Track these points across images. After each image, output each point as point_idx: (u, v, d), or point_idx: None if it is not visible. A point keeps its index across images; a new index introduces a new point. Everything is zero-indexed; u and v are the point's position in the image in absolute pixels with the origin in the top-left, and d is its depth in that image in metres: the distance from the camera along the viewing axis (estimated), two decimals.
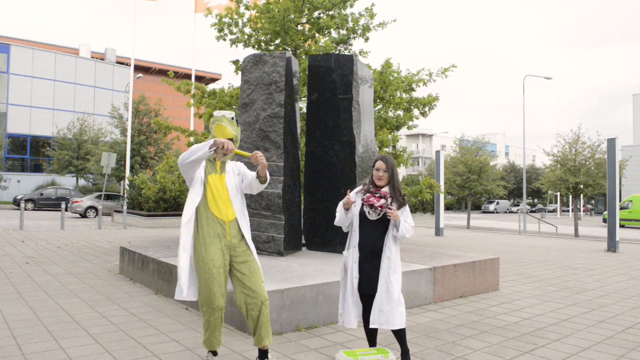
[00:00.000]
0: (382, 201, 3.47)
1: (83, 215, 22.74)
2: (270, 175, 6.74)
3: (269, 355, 3.51)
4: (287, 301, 4.46)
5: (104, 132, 34.89)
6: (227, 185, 3.47)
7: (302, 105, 10.48)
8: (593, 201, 60.27)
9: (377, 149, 11.00)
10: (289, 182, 6.99)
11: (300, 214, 7.61)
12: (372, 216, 3.50)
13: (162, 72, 45.89)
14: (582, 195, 20.89)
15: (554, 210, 60.42)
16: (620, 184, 30.85)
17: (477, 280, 6.56)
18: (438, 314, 5.37)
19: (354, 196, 3.62)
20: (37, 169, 39.89)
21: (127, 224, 17.69)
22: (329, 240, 7.26)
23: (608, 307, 5.94)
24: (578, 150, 19.08)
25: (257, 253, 6.51)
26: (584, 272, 8.77)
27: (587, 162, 18.87)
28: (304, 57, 10.60)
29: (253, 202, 6.84)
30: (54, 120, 39.92)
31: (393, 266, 3.46)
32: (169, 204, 18.65)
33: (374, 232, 3.51)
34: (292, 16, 10.03)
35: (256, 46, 10.73)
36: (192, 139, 11.55)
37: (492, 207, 52.25)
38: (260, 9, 10.33)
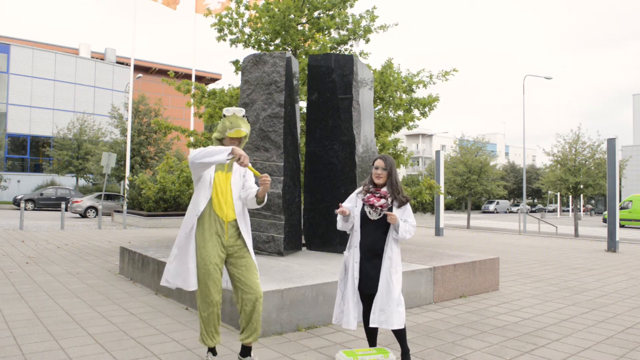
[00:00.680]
0: (383, 201, 3.47)
1: (83, 215, 22.74)
2: (270, 175, 6.74)
3: (252, 354, 3.52)
4: (287, 301, 4.46)
5: (103, 132, 34.89)
6: (232, 185, 3.48)
7: (302, 105, 10.48)
8: (593, 201, 60.28)
9: (378, 149, 11.01)
10: (289, 182, 6.99)
11: (300, 214, 7.61)
12: (373, 216, 3.51)
13: (162, 72, 45.89)
14: (582, 195, 20.89)
15: (554, 210, 60.42)
16: (620, 184, 30.87)
17: (477, 280, 6.56)
18: (438, 314, 5.37)
19: (355, 198, 3.63)
20: (37, 169, 39.89)
21: (127, 224, 17.69)
22: (329, 240, 7.26)
23: (608, 307, 5.94)
24: (578, 150, 19.08)
25: (257, 253, 6.56)
26: (584, 272, 8.77)
27: (587, 162, 18.87)
28: (304, 57, 10.60)
29: None
30: (54, 120, 39.92)
31: (394, 266, 3.46)
32: (169, 204, 18.66)
33: (375, 232, 3.52)
34: (292, 16, 10.03)
35: (256, 46, 10.73)
36: (192, 139, 11.55)
37: (492, 207, 52.26)
38: (260, 9, 10.33)
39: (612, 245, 12.77)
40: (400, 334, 3.50)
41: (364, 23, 10.85)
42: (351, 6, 10.82)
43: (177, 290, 5.62)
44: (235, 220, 3.45)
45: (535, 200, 68.32)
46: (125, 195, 20.82)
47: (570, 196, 27.10)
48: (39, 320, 4.67)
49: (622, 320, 5.26)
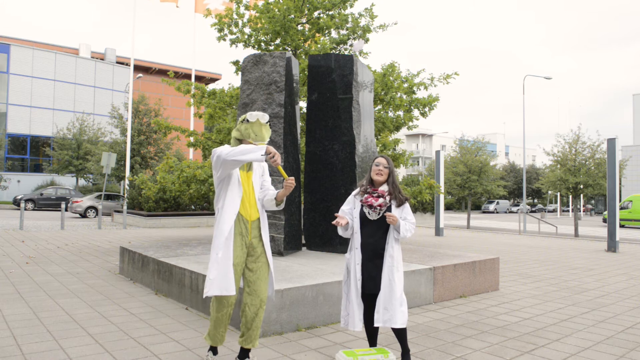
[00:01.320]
0: (381, 200, 3.48)
1: (83, 215, 22.73)
2: (270, 175, 6.73)
3: (250, 355, 3.52)
4: (287, 301, 4.46)
5: (103, 131, 34.88)
6: (254, 184, 3.48)
7: (302, 105, 10.49)
8: (593, 201, 60.25)
9: (378, 149, 11.00)
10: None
11: (300, 214, 7.61)
12: (373, 216, 3.51)
13: (162, 72, 45.87)
14: (582, 195, 20.88)
15: (554, 210, 60.42)
16: (620, 184, 30.86)
17: (477, 280, 6.56)
18: (438, 314, 5.37)
19: (353, 199, 3.63)
20: (37, 169, 39.88)
21: (127, 224, 17.69)
22: (329, 240, 7.26)
23: (608, 307, 5.94)
24: (578, 150, 19.07)
25: None
26: (584, 272, 8.77)
27: (587, 162, 18.86)
28: (304, 57, 10.60)
29: None
30: (54, 120, 39.92)
31: (396, 265, 3.47)
32: (169, 204, 18.66)
33: (376, 232, 3.52)
34: (292, 16, 10.03)
35: (256, 46, 10.73)
36: (192, 139, 11.55)
37: (492, 207, 52.25)
38: (260, 9, 10.33)
39: (612, 245, 12.76)
40: (401, 334, 3.51)
41: (363, 22, 10.85)
42: (351, 6, 10.83)
43: (177, 290, 5.62)
44: (258, 219, 3.46)
45: (535, 200, 68.31)
46: (125, 195, 20.82)
47: (570, 196, 27.10)
48: (39, 320, 4.67)
49: (622, 320, 5.26)
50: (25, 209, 26.80)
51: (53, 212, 26.33)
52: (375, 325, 3.46)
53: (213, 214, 19.28)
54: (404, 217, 3.54)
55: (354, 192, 3.68)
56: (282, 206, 3.53)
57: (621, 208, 27.47)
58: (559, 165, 19.61)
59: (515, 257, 10.91)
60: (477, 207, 53.14)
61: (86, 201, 23.16)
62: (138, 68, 42.22)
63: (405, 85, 11.04)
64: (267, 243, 3.49)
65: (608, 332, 4.76)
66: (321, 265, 5.94)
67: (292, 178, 3.34)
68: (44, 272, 7.40)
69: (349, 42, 11.07)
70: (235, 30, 10.90)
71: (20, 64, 39.43)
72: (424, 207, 37.01)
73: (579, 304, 6.07)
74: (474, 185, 23.23)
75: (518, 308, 5.75)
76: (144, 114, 28.52)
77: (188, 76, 38.27)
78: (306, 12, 10.56)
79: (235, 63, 11.35)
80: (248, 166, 3.51)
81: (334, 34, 11.00)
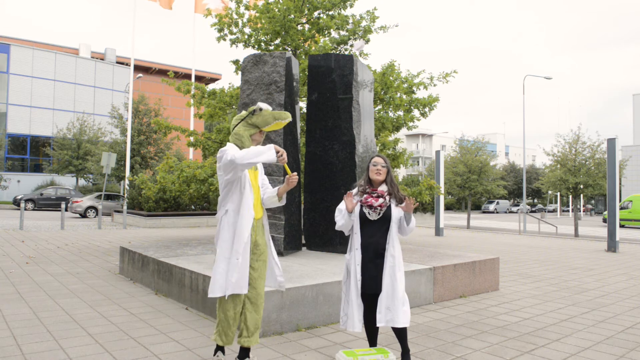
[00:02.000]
0: (381, 200, 3.49)
1: (83, 215, 22.73)
2: (270, 175, 6.74)
3: (250, 355, 3.52)
4: (287, 301, 4.46)
5: (103, 131, 34.88)
6: (259, 183, 3.56)
7: (302, 105, 10.48)
8: (593, 201, 60.25)
9: (378, 149, 11.00)
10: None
11: (300, 214, 7.61)
12: (373, 216, 3.51)
13: (162, 72, 45.87)
14: (582, 195, 20.88)
15: (554, 210, 60.40)
16: (620, 184, 30.86)
17: (477, 280, 6.56)
18: (438, 314, 5.37)
19: (354, 193, 3.64)
20: (37, 169, 39.87)
21: (127, 224, 17.69)
22: (329, 240, 7.26)
23: (608, 307, 5.94)
24: (578, 151, 19.07)
25: None
26: (584, 272, 8.77)
27: (587, 162, 18.86)
28: (304, 57, 10.60)
29: None
30: (54, 120, 39.92)
31: (397, 264, 3.48)
32: (169, 204, 18.66)
33: (376, 232, 3.52)
34: (292, 16, 10.03)
35: (256, 46, 10.73)
36: (192, 139, 11.55)
37: (492, 207, 52.25)
38: (260, 9, 10.33)
39: (612, 245, 12.76)
40: (401, 334, 3.50)
41: (364, 23, 10.85)
42: (351, 6, 10.83)
43: (177, 290, 5.62)
44: (262, 217, 3.55)
45: (535, 200, 68.31)
46: (125, 195, 20.82)
47: (570, 196, 27.09)
48: (39, 320, 4.67)
49: (622, 320, 5.26)
50: (25, 209, 26.80)
51: (53, 212, 26.33)
52: (378, 325, 3.45)
53: (213, 214, 19.26)
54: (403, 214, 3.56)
55: (352, 193, 3.68)
56: (284, 202, 3.58)
57: (621, 208, 27.46)
58: (559, 165, 19.60)
59: (515, 257, 10.90)
60: (477, 207, 53.14)
61: (86, 201, 23.16)
62: (138, 68, 42.22)
63: (405, 85, 11.05)
64: (270, 239, 3.58)
65: (608, 332, 4.76)
66: (321, 265, 5.94)
67: (295, 173, 3.39)
68: (44, 272, 7.40)
69: (349, 43, 11.07)
70: (235, 30, 10.90)
71: (20, 64, 39.43)
72: (424, 207, 37.03)
73: (579, 304, 6.07)
74: (474, 185, 23.22)
75: (518, 308, 5.75)
76: (144, 114, 28.52)
77: (188, 76, 38.25)
78: (306, 12, 10.56)
79: (235, 63, 11.35)
80: (255, 165, 3.54)
81: (334, 34, 11.00)
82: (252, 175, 3.51)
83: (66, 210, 22.67)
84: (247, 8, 10.89)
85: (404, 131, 15.42)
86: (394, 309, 3.40)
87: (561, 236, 18.58)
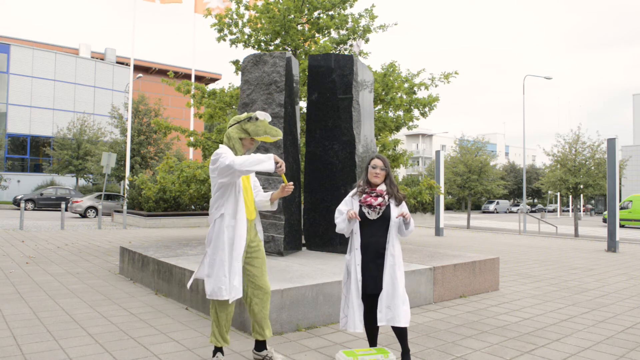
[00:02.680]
0: (380, 199, 3.50)
1: (83, 215, 22.74)
2: (270, 175, 6.74)
3: (267, 347, 3.64)
4: (287, 301, 4.46)
5: (103, 131, 34.88)
6: (252, 185, 3.64)
7: (302, 105, 10.48)
8: (593, 201, 60.25)
9: (378, 149, 11.00)
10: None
11: (300, 214, 7.61)
12: (372, 216, 3.51)
13: (162, 72, 45.86)
14: (582, 195, 20.87)
15: (554, 210, 60.41)
16: (620, 184, 30.86)
17: (477, 280, 6.56)
18: (438, 314, 5.37)
19: (350, 200, 3.64)
20: (37, 169, 39.88)
21: (127, 224, 17.69)
22: (329, 240, 7.26)
23: (608, 307, 5.94)
24: (578, 151, 19.07)
25: None
26: (584, 272, 8.77)
27: (587, 162, 18.85)
28: (304, 57, 10.60)
29: None
30: (54, 120, 39.92)
31: (397, 263, 3.48)
32: (169, 204, 18.65)
33: (376, 232, 3.52)
34: (292, 16, 10.03)
35: (256, 46, 10.74)
36: (192, 139, 11.55)
37: (492, 207, 52.25)
38: (260, 9, 10.33)
39: (612, 245, 12.76)
40: (401, 334, 3.50)
41: (363, 22, 10.84)
42: (351, 6, 10.83)
43: (177, 290, 5.62)
44: (256, 218, 3.61)
45: (535, 200, 68.31)
46: (125, 195, 20.82)
47: (570, 196, 27.09)
48: (39, 320, 4.67)
49: (622, 320, 5.26)
50: (25, 209, 26.80)
51: (53, 212, 26.33)
52: (379, 324, 3.45)
53: None
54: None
55: (351, 193, 3.68)
56: (275, 207, 3.68)
57: (621, 208, 27.46)
58: (559, 166, 19.60)
59: (515, 257, 10.91)
60: (477, 207, 53.14)
61: (86, 201, 23.16)
62: (138, 68, 42.21)
63: (406, 85, 11.04)
64: (262, 240, 3.65)
65: (608, 332, 4.76)
66: (321, 265, 5.94)
67: (292, 183, 3.49)
68: (44, 272, 7.40)
69: (349, 42, 11.07)
70: (235, 30, 10.90)
71: (20, 64, 39.43)
72: (424, 207, 37.01)
73: (579, 304, 6.07)
74: (474, 185, 23.22)
75: (518, 308, 5.75)
76: (144, 114, 28.51)
77: (188, 76, 38.24)
78: (306, 12, 10.56)
79: (235, 63, 11.35)
80: None
81: (334, 34, 11.00)
82: (245, 178, 3.58)
83: (66, 210, 22.67)
84: (247, 8, 10.89)
85: (404, 131, 15.42)
86: (395, 308, 3.40)
87: (561, 236, 18.58)
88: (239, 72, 10.35)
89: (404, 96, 11.08)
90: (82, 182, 35.78)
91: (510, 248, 12.94)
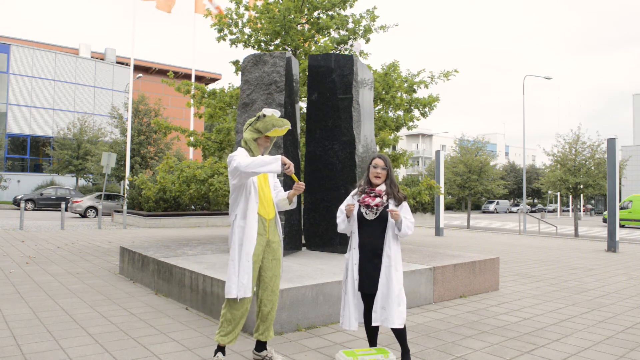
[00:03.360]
0: (378, 200, 3.49)
1: (83, 215, 22.73)
2: (279, 176, 6.73)
3: (267, 347, 3.67)
4: (287, 301, 4.46)
5: (103, 132, 34.87)
6: (270, 184, 3.67)
7: (302, 105, 10.48)
8: (593, 201, 60.24)
9: (378, 148, 11.00)
10: (289, 182, 6.99)
11: (300, 214, 7.61)
12: (370, 216, 3.51)
13: (162, 72, 45.87)
14: (582, 195, 20.87)
15: (554, 210, 60.40)
16: (620, 184, 30.86)
17: (477, 280, 6.56)
18: (438, 314, 5.37)
19: (351, 199, 3.65)
20: (37, 169, 39.87)
21: (127, 224, 17.69)
22: (329, 240, 7.26)
23: (608, 307, 5.94)
24: (578, 151, 19.06)
25: None
26: (584, 272, 8.77)
27: (587, 162, 18.85)
28: (304, 57, 10.60)
29: None
30: (54, 120, 39.91)
31: (394, 264, 3.47)
32: (169, 204, 18.65)
33: (374, 232, 3.52)
34: (292, 16, 10.03)
35: (256, 46, 10.73)
36: (192, 139, 11.55)
37: (492, 207, 52.25)
38: (260, 9, 10.33)
39: (612, 245, 12.76)
40: (400, 334, 3.50)
41: (364, 23, 10.84)
42: (351, 6, 10.82)
43: (177, 290, 5.62)
44: (275, 217, 3.64)
45: (535, 200, 68.31)
46: (125, 195, 20.82)
47: (570, 196, 27.10)
48: (39, 320, 4.67)
49: (622, 320, 5.26)
50: (25, 209, 26.79)
51: (53, 212, 26.33)
52: (373, 324, 3.46)
53: (213, 214, 19.28)
54: (403, 215, 3.54)
55: (352, 193, 3.70)
56: (294, 205, 3.72)
57: (621, 208, 27.45)
58: (559, 166, 19.59)
59: (515, 257, 10.91)
60: (477, 207, 53.14)
61: (86, 201, 23.15)
62: (138, 68, 42.22)
63: (406, 84, 11.04)
64: (282, 239, 3.68)
65: (608, 332, 4.76)
66: (321, 265, 5.94)
67: (302, 182, 3.51)
68: (44, 272, 7.40)
69: (349, 42, 11.07)
70: (235, 30, 10.90)
71: (20, 64, 39.42)
72: (424, 207, 37.01)
73: (579, 304, 6.07)
74: (474, 185, 23.21)
75: (518, 308, 5.75)
76: (144, 114, 28.51)
77: (188, 76, 38.25)
78: (306, 12, 10.56)
79: (235, 63, 11.35)
80: None
81: (333, 34, 11.00)
82: (262, 177, 3.61)
83: (66, 210, 22.66)
84: (246, 8, 10.89)
85: (404, 131, 15.42)
86: (389, 308, 3.40)
87: (561, 236, 18.58)
88: (239, 72, 10.35)
89: (404, 95, 11.08)
90: (82, 182, 35.77)
91: (510, 248, 12.94)
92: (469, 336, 4.51)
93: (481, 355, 3.99)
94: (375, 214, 3.50)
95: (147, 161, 28.12)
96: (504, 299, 6.26)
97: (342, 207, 3.64)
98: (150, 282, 6.32)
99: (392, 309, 3.39)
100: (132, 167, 26.58)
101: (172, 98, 42.24)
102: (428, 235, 16.54)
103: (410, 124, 11.39)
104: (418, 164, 72.15)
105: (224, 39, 10.97)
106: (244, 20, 10.78)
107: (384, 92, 10.53)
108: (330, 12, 10.74)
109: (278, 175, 3.92)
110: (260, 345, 3.64)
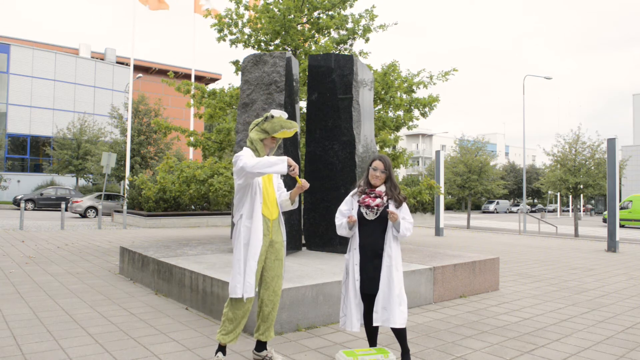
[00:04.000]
0: (378, 200, 3.49)
1: (83, 215, 22.73)
2: (284, 177, 6.73)
3: (267, 347, 3.67)
4: (287, 301, 4.46)
5: (103, 132, 34.87)
6: (274, 185, 3.67)
7: (302, 105, 10.48)
8: (593, 201, 60.24)
9: (378, 149, 11.00)
10: (290, 183, 6.98)
11: (300, 214, 7.61)
12: (370, 216, 3.51)
13: (162, 72, 45.87)
14: (582, 195, 20.87)
15: (554, 210, 60.40)
16: (620, 184, 30.86)
17: (477, 280, 6.56)
18: (438, 314, 5.37)
19: (351, 200, 3.66)
20: (37, 169, 39.87)
21: (127, 224, 17.69)
22: (329, 240, 7.26)
23: (608, 307, 5.94)
24: (578, 151, 19.07)
25: None
26: (584, 272, 8.77)
27: (587, 162, 18.85)
28: (304, 57, 10.60)
29: None
30: (54, 120, 39.91)
31: (395, 264, 3.47)
32: (169, 204, 18.65)
33: (374, 232, 3.52)
34: (292, 16, 10.03)
35: (256, 46, 10.73)
36: (192, 139, 11.55)
37: (492, 207, 52.24)
38: (260, 9, 10.33)
39: (612, 245, 12.76)
40: (400, 334, 3.50)
41: (363, 22, 10.84)
42: (350, 6, 10.82)
43: (177, 290, 5.62)
44: (279, 217, 3.65)
45: (535, 200, 68.30)
46: (125, 195, 20.82)
47: (570, 196, 27.09)
48: (39, 320, 4.67)
49: (622, 320, 5.26)
50: (25, 209, 26.79)
51: (53, 212, 26.32)
52: (374, 324, 3.46)
53: (213, 214, 19.28)
54: (402, 216, 3.54)
55: (351, 193, 3.70)
56: (296, 205, 3.73)
57: (621, 208, 27.45)
58: (559, 165, 19.60)
59: (515, 257, 10.91)
60: (477, 207, 53.14)
61: (86, 201, 23.15)
62: (138, 68, 42.22)
63: (405, 84, 11.04)
64: (285, 240, 3.68)
65: (608, 332, 4.76)
66: (321, 265, 5.94)
67: (305, 181, 3.50)
68: (44, 272, 7.40)
69: (349, 42, 11.07)
70: (235, 30, 10.89)
71: (20, 64, 39.42)
72: (424, 207, 37.00)
73: (579, 304, 6.07)
74: (474, 185, 23.21)
75: (518, 308, 5.75)
76: (144, 114, 28.51)
77: (188, 76, 38.26)
78: (306, 12, 10.55)
79: (235, 63, 11.35)
80: None
81: (334, 34, 11.00)
82: (267, 178, 3.63)
83: (66, 210, 22.66)
84: (246, 8, 10.88)
85: (404, 131, 15.41)
86: (390, 309, 3.40)
87: (561, 236, 18.58)
88: (239, 72, 10.35)
89: (404, 95, 11.07)
90: (82, 182, 35.77)
91: (510, 248, 12.94)
92: (469, 336, 4.51)
93: (481, 355, 3.99)
94: (376, 215, 3.50)
95: (147, 161, 28.12)
96: (504, 299, 6.26)
97: (342, 208, 3.64)
98: (150, 282, 6.32)
99: (394, 309, 3.39)
100: (132, 167, 26.58)
101: (172, 98, 42.24)
102: (428, 235, 16.54)
103: (410, 123, 11.39)
104: (418, 164, 72.15)
105: (224, 39, 10.96)
106: (244, 20, 10.78)
107: (383, 92, 10.53)
108: (330, 12, 10.74)
109: (281, 176, 3.92)
110: (261, 345, 3.65)
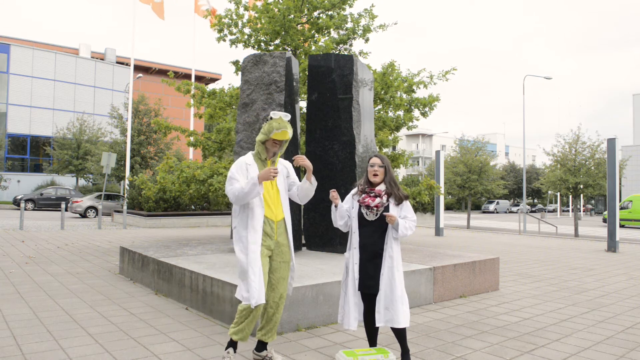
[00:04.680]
0: (378, 200, 3.47)
1: (83, 215, 22.73)
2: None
3: (267, 347, 3.66)
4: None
5: (103, 132, 34.87)
6: (278, 186, 3.62)
7: (302, 105, 10.48)
8: (593, 201, 60.23)
9: (378, 149, 11.00)
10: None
11: (300, 214, 7.61)
12: (370, 217, 3.50)
13: (162, 72, 45.87)
14: (582, 195, 20.88)
15: (554, 210, 60.39)
16: (620, 184, 30.86)
17: (477, 280, 6.56)
18: (438, 314, 5.37)
19: (350, 199, 3.65)
20: (37, 169, 39.87)
21: (127, 224, 17.69)
22: (329, 240, 7.26)
23: (608, 307, 5.94)
24: (578, 151, 19.07)
25: None
26: (584, 272, 8.77)
27: (587, 162, 18.85)
28: (303, 57, 10.60)
29: None
30: (54, 120, 39.91)
31: (395, 264, 3.47)
32: (169, 204, 18.65)
33: (374, 232, 3.51)
34: (292, 16, 10.03)
35: (256, 46, 10.73)
36: (192, 139, 11.55)
37: (492, 207, 52.23)
38: (260, 9, 10.33)
39: (612, 245, 12.76)
40: (400, 334, 3.50)
41: (363, 22, 10.84)
42: (350, 6, 10.82)
43: (177, 290, 5.62)
44: (284, 219, 3.60)
45: (535, 200, 68.29)
46: (125, 195, 20.81)
47: (570, 196, 27.09)
48: (39, 320, 4.67)
49: (622, 320, 5.26)
50: (25, 209, 26.79)
51: (53, 212, 26.32)
52: (377, 325, 3.45)
53: (213, 214, 19.27)
54: (403, 215, 3.53)
55: (352, 192, 3.69)
56: (315, 183, 3.61)
57: (621, 208, 27.45)
58: (559, 165, 19.60)
59: (515, 257, 10.91)
60: (477, 207, 53.13)
61: (86, 201, 23.15)
62: (138, 68, 42.21)
63: (405, 84, 11.04)
64: (292, 242, 3.64)
65: (608, 332, 4.76)
66: (321, 265, 5.94)
67: (299, 156, 3.45)
68: (44, 272, 7.40)
69: (349, 42, 11.07)
70: (235, 30, 10.90)
71: (20, 64, 39.42)
72: (424, 207, 37.03)
73: (579, 304, 6.07)
74: (474, 185, 23.21)
75: (518, 308, 5.75)
76: (144, 114, 28.51)
77: (188, 76, 38.25)
78: (306, 12, 10.55)
79: (235, 63, 11.35)
80: (274, 162, 3.64)
81: (333, 34, 11.00)
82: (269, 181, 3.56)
83: (66, 210, 22.66)
84: (246, 9, 10.89)
85: (404, 131, 15.41)
86: (394, 309, 3.39)
87: (561, 236, 18.58)
88: (239, 72, 10.35)
89: (404, 95, 11.07)
90: (82, 182, 35.77)
91: (510, 248, 12.94)
92: (469, 336, 4.51)
93: (481, 355, 3.99)
94: (376, 215, 3.49)
95: (147, 161, 28.12)
96: (504, 299, 6.26)
97: (343, 206, 3.65)
98: (150, 282, 6.32)
99: (397, 309, 3.39)
100: (132, 167, 26.58)
101: (172, 98, 42.24)
102: (428, 235, 16.54)
103: (410, 123, 11.38)
104: (418, 164, 72.14)
105: (224, 39, 10.97)
106: (244, 20, 10.78)
107: (383, 92, 10.53)
108: (330, 12, 10.74)
109: (295, 168, 3.91)
110: (261, 345, 3.65)
